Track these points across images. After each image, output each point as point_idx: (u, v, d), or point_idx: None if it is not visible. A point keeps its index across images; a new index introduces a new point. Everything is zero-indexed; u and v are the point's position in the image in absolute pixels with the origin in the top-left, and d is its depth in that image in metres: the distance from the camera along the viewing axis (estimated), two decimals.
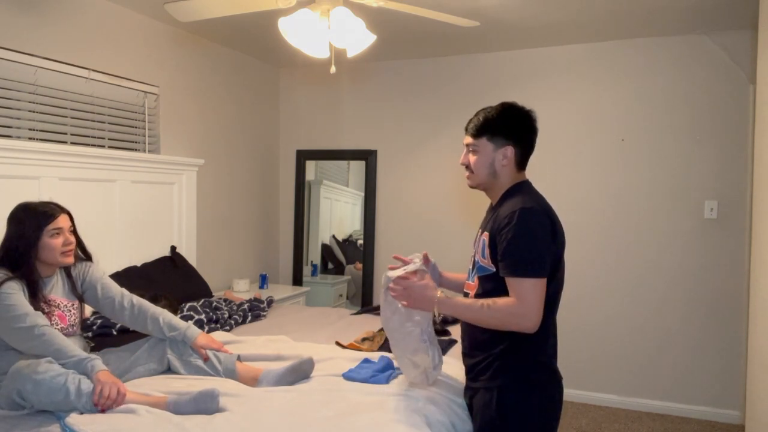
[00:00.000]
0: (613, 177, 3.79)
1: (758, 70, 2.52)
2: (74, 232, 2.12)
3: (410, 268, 1.72)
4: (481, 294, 1.70)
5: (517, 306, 1.57)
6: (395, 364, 2.13)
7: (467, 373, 1.81)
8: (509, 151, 1.71)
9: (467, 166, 1.78)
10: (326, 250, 4.71)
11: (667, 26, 3.44)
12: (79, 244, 2.18)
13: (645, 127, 3.71)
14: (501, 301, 1.60)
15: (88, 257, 2.24)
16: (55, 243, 2.01)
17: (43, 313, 1.97)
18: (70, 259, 2.08)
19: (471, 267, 1.80)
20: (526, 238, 1.58)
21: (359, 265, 4.53)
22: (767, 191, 2.37)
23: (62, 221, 2.05)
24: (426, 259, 1.88)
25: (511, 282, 1.59)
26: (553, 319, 1.72)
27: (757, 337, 2.48)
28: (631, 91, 3.74)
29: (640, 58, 3.70)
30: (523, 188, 1.73)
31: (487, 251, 1.67)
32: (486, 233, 1.70)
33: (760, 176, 2.49)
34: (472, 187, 1.81)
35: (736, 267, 3.52)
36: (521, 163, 1.76)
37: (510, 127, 1.71)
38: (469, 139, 1.76)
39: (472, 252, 1.81)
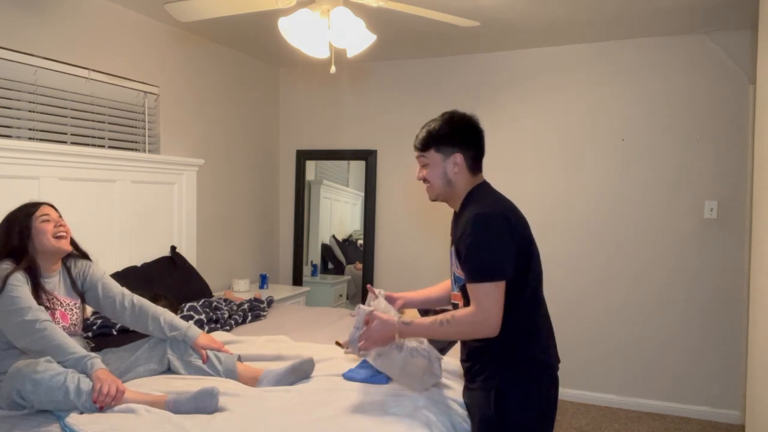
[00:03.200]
0: (613, 177, 3.79)
1: (758, 70, 2.53)
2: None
3: (360, 319, 1.74)
4: (466, 303, 1.71)
5: (475, 314, 1.59)
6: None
7: (465, 375, 1.83)
8: (458, 157, 1.74)
9: (424, 180, 1.80)
10: (326, 250, 4.71)
11: (667, 26, 3.44)
12: (74, 244, 2.19)
13: (645, 127, 3.71)
14: (459, 313, 1.63)
15: (84, 256, 2.24)
16: (46, 227, 2.04)
17: (45, 309, 1.98)
18: (66, 244, 2.09)
19: (452, 279, 1.82)
20: (482, 244, 1.60)
21: (359, 265, 4.53)
22: (767, 191, 2.37)
23: (47, 209, 2.10)
24: (373, 293, 1.91)
25: (471, 288, 1.62)
26: (540, 313, 1.73)
27: (757, 337, 2.48)
28: (631, 91, 3.74)
29: (640, 58, 3.70)
30: (479, 192, 1.75)
31: (457, 261, 1.70)
32: (453, 244, 1.72)
33: (760, 176, 2.49)
34: (432, 200, 1.84)
35: (736, 267, 3.52)
36: (473, 167, 1.77)
37: (453, 134, 1.74)
38: (418, 154, 1.80)
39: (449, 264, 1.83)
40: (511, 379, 1.67)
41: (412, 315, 2.00)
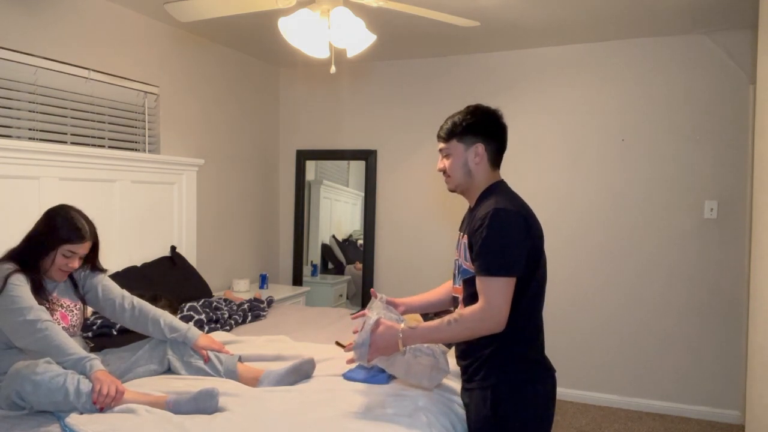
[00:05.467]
0: (613, 177, 3.79)
1: (758, 70, 2.52)
2: (95, 252, 2.14)
3: (366, 330, 1.72)
4: (467, 296, 1.72)
5: (483, 310, 1.60)
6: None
7: (462, 374, 1.84)
8: (480, 148, 1.75)
9: (444, 171, 1.82)
10: (326, 250, 4.71)
11: (667, 26, 3.44)
12: (93, 260, 2.18)
13: (645, 127, 3.71)
14: (467, 311, 1.63)
15: (101, 270, 2.25)
16: (61, 261, 2.03)
17: (46, 309, 1.98)
18: (62, 277, 2.10)
19: (456, 271, 1.82)
20: (498, 238, 1.61)
21: (359, 265, 4.53)
22: (767, 191, 2.37)
23: (83, 249, 2.05)
24: (375, 296, 1.91)
25: (482, 281, 1.62)
26: (540, 315, 1.75)
27: (757, 337, 2.48)
28: (631, 91, 3.74)
29: (640, 58, 3.70)
30: (497, 189, 1.76)
31: (468, 254, 1.70)
32: (465, 236, 1.73)
33: (760, 176, 2.49)
34: (451, 190, 1.85)
35: (736, 267, 3.52)
36: (494, 160, 1.79)
37: (477, 125, 1.76)
38: (441, 144, 1.82)
39: (455, 256, 1.83)
40: (509, 380, 1.67)
41: (414, 319, 1.99)
